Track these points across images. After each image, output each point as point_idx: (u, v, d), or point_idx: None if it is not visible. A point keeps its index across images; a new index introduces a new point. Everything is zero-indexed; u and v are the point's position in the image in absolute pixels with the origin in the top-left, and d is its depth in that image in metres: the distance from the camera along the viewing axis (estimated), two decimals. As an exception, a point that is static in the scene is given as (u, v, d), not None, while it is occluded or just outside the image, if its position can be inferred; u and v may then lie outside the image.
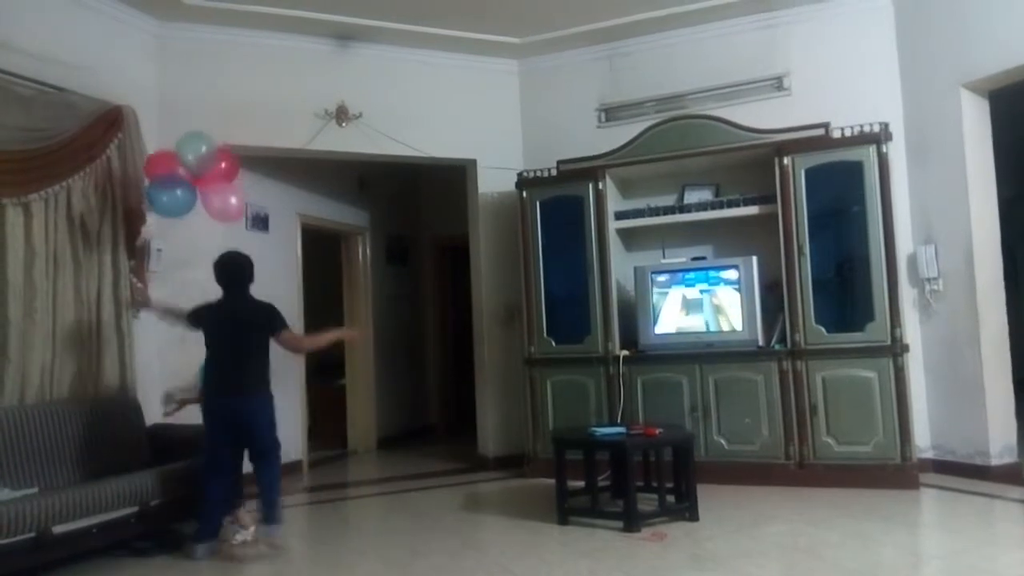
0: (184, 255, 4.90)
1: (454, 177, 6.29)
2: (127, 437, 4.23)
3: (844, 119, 4.75)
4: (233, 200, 4.33)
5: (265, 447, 3.82)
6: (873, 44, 5.07)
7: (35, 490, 3.57)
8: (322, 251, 7.13)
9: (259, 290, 5.73)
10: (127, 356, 4.44)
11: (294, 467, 6.02)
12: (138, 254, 4.62)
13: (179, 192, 4.16)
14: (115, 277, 4.43)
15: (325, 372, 7.24)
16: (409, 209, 8.04)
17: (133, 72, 4.83)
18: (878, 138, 4.62)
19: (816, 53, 5.16)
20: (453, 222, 6.69)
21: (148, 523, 3.80)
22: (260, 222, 5.84)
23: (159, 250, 4.79)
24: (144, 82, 4.89)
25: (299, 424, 6.17)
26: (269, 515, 3.74)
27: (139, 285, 4.64)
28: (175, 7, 4.79)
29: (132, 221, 4.54)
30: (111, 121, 4.42)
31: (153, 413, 4.55)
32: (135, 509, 3.68)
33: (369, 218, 7.32)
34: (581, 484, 4.21)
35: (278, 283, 5.99)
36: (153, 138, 4.83)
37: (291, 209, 6.24)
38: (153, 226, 4.75)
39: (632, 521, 3.83)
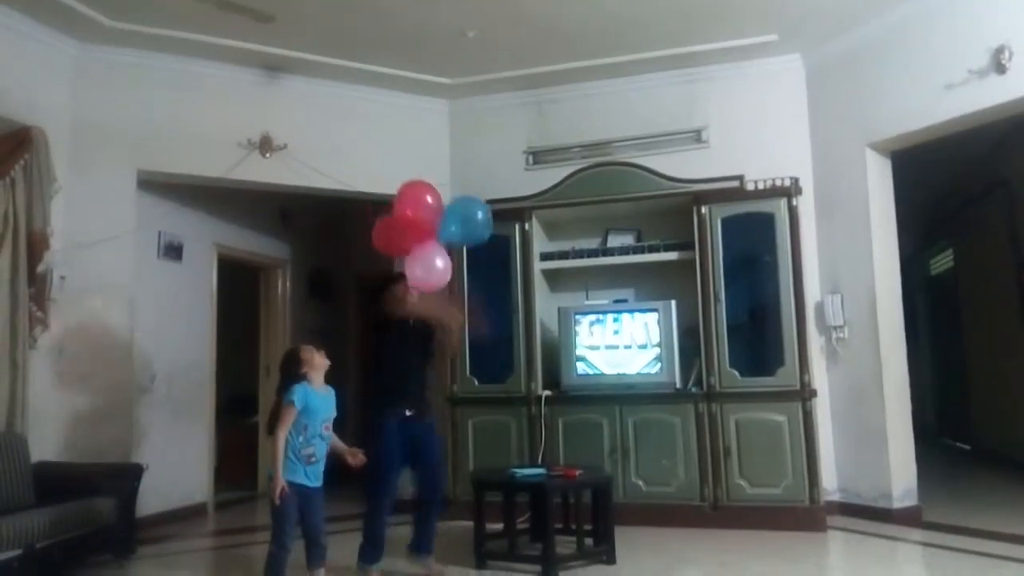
0: (89, 283, 4.67)
1: (381, 213, 6.22)
2: (10, 474, 3.94)
3: (758, 172, 4.96)
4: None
5: None
6: (785, 102, 5.33)
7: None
8: (240, 283, 6.92)
9: (169, 324, 5.51)
10: (19, 389, 4.16)
11: (199, 509, 5.73)
12: (39, 281, 4.37)
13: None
14: (12, 305, 4.18)
15: (236, 409, 6.95)
16: (333, 243, 7.92)
17: (47, 94, 4.62)
18: (788, 191, 4.84)
19: (733, 109, 5.38)
20: (379, 258, 6.59)
21: (33, 567, 3.53)
22: (173, 251, 5.62)
23: (63, 277, 4.53)
24: (58, 104, 4.69)
25: (206, 463, 5.89)
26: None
27: (38, 314, 4.39)
28: (97, 30, 4.64)
29: (35, 246, 4.31)
30: (18, 142, 4.23)
31: (40, 450, 4.24)
32: (19, 552, 3.42)
33: (291, 251, 7.16)
34: (500, 527, 4.15)
35: (191, 315, 5.78)
36: (64, 161, 4.64)
37: (207, 239, 6.04)
38: (57, 253, 4.52)
39: (550, 566, 3.78)
